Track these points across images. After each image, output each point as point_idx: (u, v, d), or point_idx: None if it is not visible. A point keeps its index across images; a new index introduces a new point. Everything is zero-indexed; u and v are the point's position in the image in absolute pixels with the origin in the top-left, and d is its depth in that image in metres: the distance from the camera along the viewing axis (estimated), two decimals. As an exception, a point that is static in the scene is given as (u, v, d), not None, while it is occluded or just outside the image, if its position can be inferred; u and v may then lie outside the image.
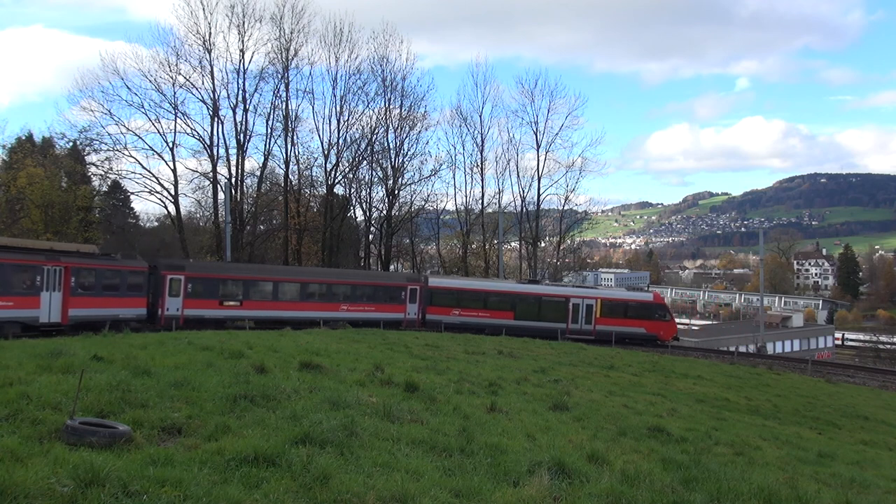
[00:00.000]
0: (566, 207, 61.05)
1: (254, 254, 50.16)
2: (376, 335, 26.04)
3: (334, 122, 53.05)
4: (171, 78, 46.31)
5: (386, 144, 56.06)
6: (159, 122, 46.37)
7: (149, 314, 29.36)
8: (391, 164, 56.18)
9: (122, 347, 12.33)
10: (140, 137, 45.76)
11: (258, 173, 52.73)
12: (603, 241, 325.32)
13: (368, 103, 54.57)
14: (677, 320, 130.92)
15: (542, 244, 62.16)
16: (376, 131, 54.80)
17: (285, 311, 33.14)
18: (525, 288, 39.83)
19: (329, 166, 53.37)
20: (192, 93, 47.65)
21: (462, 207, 61.08)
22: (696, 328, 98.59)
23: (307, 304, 34.36)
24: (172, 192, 47.00)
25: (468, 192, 65.43)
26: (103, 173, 47.71)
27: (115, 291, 27.94)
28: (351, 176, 55.75)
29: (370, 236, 60.72)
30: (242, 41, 47.94)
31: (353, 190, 57.51)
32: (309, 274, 38.69)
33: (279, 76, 49.82)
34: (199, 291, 31.07)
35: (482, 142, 59.92)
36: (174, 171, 47.11)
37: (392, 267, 61.01)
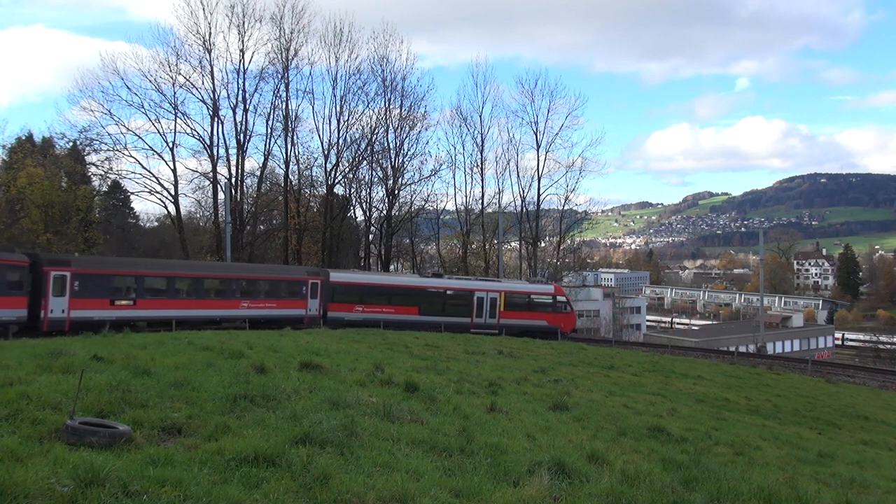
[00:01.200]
0: (566, 207, 61.15)
1: (254, 254, 50.18)
2: (376, 335, 26.05)
3: (334, 122, 53.16)
4: (171, 78, 46.42)
5: (386, 144, 56.16)
6: (159, 122, 46.49)
7: (30, 316, 25.45)
8: (391, 164, 56.24)
9: (122, 347, 12.33)
10: (140, 137, 45.90)
11: (258, 173, 52.84)
12: (603, 241, 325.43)
13: (368, 103, 54.67)
14: (677, 320, 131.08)
15: (542, 244, 62.17)
16: (376, 131, 54.89)
17: (182, 311, 29.85)
18: (429, 282, 38.50)
19: (329, 166, 53.47)
20: (192, 93, 47.78)
21: (462, 207, 61.15)
22: (696, 328, 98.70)
23: (206, 302, 31.27)
24: (172, 192, 47.10)
25: (468, 192, 65.53)
26: (103, 173, 47.83)
27: None
28: (351, 176, 55.83)
29: (370, 236, 60.74)
30: (242, 41, 48.04)
31: (353, 190, 57.61)
32: (207, 268, 34.93)
33: (279, 76, 49.92)
34: (87, 289, 27.21)
35: (482, 142, 60.01)
36: (174, 171, 47.22)
37: (392, 267, 60.99)
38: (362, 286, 36.66)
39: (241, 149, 49.20)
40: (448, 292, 38.24)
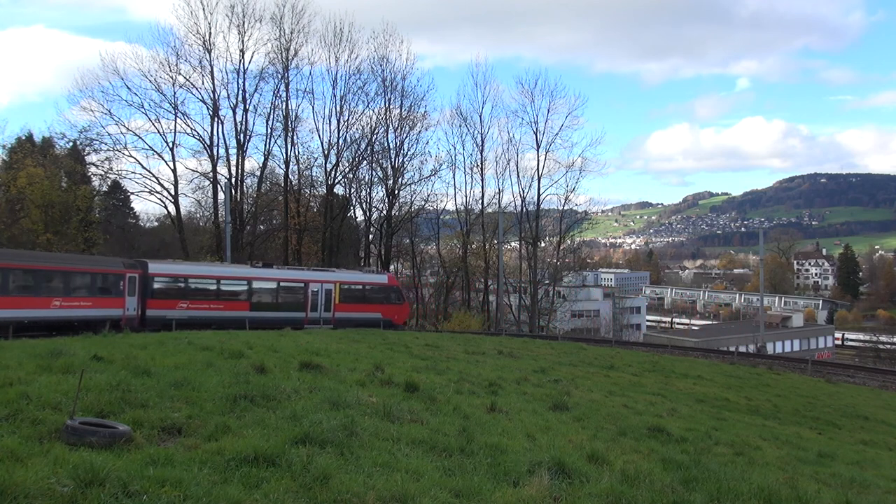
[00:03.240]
0: (566, 207, 61.18)
1: (254, 254, 50.19)
2: (376, 335, 26.05)
3: (334, 122, 53.22)
4: (171, 78, 46.48)
5: (386, 144, 56.22)
6: (159, 122, 46.56)
7: None
8: (391, 164, 56.27)
9: (122, 347, 12.32)
10: (140, 137, 45.96)
11: (258, 173, 52.89)
12: (603, 241, 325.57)
13: (368, 103, 54.73)
14: (677, 320, 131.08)
15: (542, 244, 62.19)
16: (376, 131, 54.93)
17: None
18: (261, 273, 34.58)
19: (329, 166, 53.51)
20: (192, 93, 47.86)
21: (462, 207, 61.20)
22: (696, 328, 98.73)
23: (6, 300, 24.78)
24: (172, 192, 47.15)
25: (468, 192, 65.65)
26: (103, 173, 47.91)
27: None
28: (351, 176, 55.87)
29: (370, 236, 60.76)
30: (242, 41, 48.09)
31: (353, 190, 57.65)
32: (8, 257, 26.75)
33: (279, 76, 49.95)
34: None
35: (482, 142, 60.07)
36: (174, 171, 47.27)
37: (392, 267, 60.95)
38: (187, 278, 32.10)
39: (241, 149, 49.29)
40: (281, 284, 34.82)
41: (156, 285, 30.59)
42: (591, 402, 13.23)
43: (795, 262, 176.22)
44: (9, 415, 6.05)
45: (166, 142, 46.88)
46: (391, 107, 55.54)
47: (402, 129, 55.99)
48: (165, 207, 48.56)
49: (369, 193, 57.75)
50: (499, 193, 60.54)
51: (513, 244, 67.34)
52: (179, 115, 46.96)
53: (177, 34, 73.31)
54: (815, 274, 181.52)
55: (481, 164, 60.05)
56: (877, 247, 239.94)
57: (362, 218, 60.61)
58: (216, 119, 48.00)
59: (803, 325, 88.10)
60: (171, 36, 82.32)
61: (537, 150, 59.48)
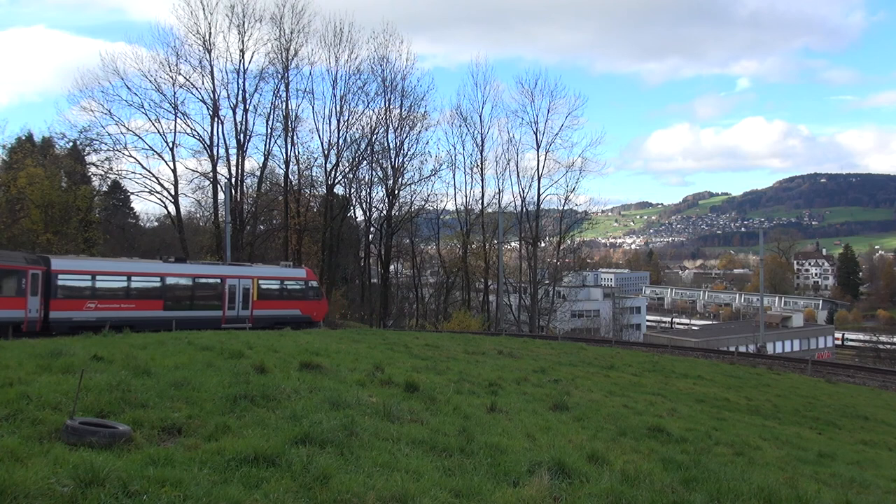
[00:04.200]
0: (566, 207, 61.19)
1: (254, 254, 50.19)
2: (376, 335, 26.03)
3: (334, 122, 53.24)
4: (171, 78, 46.47)
5: (386, 144, 56.25)
6: (159, 122, 46.55)
7: None
8: (391, 164, 56.30)
9: (122, 347, 12.32)
10: (140, 137, 45.96)
11: (258, 173, 52.90)
12: (603, 241, 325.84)
13: (368, 103, 54.75)
14: (677, 320, 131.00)
15: (542, 244, 62.21)
16: (376, 131, 54.95)
17: None
18: (175, 268, 31.83)
19: (329, 166, 53.52)
20: (192, 93, 47.85)
21: (462, 207, 61.24)
22: (696, 328, 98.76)
23: None
24: (172, 192, 47.14)
25: (468, 192, 65.75)
26: (103, 173, 47.90)
27: None
28: (351, 176, 55.89)
29: (370, 236, 60.77)
30: (242, 41, 48.09)
31: (353, 190, 57.68)
32: None
33: (279, 76, 49.96)
34: None
35: (482, 142, 60.11)
36: (174, 171, 47.27)
37: (392, 268, 60.97)
38: (94, 276, 28.74)
39: (241, 149, 49.30)
40: (197, 280, 32.11)
41: (60, 283, 27.44)
42: (591, 402, 13.23)
43: (795, 262, 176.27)
44: (9, 415, 6.06)
45: (166, 142, 46.95)
46: (391, 107, 55.65)
47: (402, 129, 56.08)
48: (165, 207, 48.62)
49: (369, 193, 57.87)
50: (499, 193, 60.65)
51: (513, 244, 67.38)
52: (179, 115, 47.01)
53: (177, 34, 73.53)
54: (815, 274, 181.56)
55: (481, 164, 60.17)
56: (877, 247, 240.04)
57: (362, 218, 60.74)
58: (216, 119, 48.06)
59: (803, 325, 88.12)
60: (171, 36, 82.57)
61: (537, 150, 59.58)
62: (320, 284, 37.04)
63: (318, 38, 56.31)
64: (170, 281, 31.05)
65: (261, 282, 33.83)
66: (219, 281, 32.47)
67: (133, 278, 30.05)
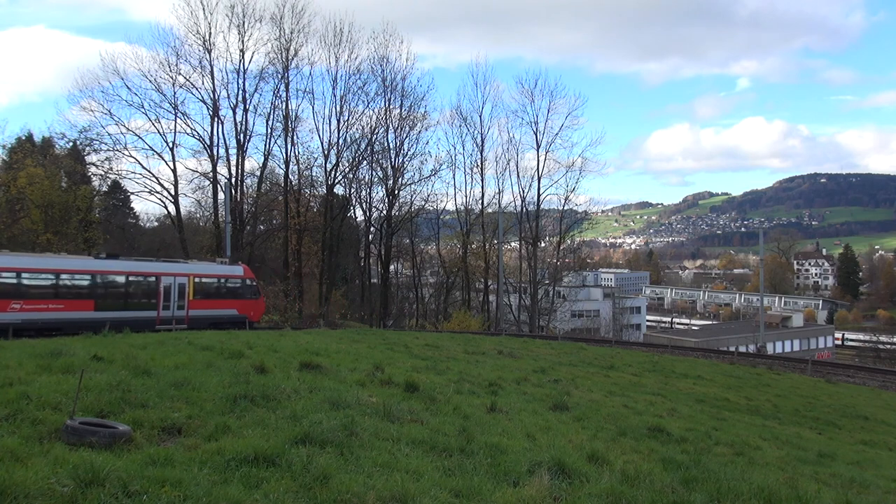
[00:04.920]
0: (566, 207, 61.16)
1: (254, 254, 50.18)
2: (376, 335, 26.03)
3: (334, 122, 53.19)
4: (171, 78, 46.46)
5: (386, 144, 56.20)
6: (159, 122, 46.54)
7: None
8: (391, 164, 56.27)
9: (122, 347, 12.32)
10: (140, 137, 45.95)
11: (258, 173, 52.89)
12: (603, 241, 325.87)
13: (368, 103, 54.70)
14: (677, 320, 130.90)
15: (542, 244, 62.19)
16: (376, 131, 54.91)
17: None
18: (106, 265, 29.25)
19: (329, 166, 53.48)
20: (192, 93, 47.85)
21: (462, 207, 61.22)
22: (696, 328, 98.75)
23: None
24: (172, 192, 47.14)
25: (468, 192, 65.76)
26: (103, 173, 47.89)
27: None
28: (351, 176, 55.84)
29: (370, 236, 60.76)
30: (242, 41, 48.08)
31: (353, 190, 57.63)
32: None
33: (279, 76, 49.94)
34: None
35: (482, 142, 60.09)
36: (174, 171, 47.27)
37: (392, 268, 60.92)
38: (19, 273, 26.49)
39: (241, 149, 49.28)
40: (131, 278, 29.59)
41: None
42: (591, 402, 13.23)
43: (795, 262, 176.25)
44: (9, 415, 6.06)
45: (166, 142, 46.94)
46: (391, 107, 55.60)
47: (402, 129, 56.04)
48: (165, 207, 48.61)
49: (369, 193, 57.82)
50: (499, 193, 60.62)
51: (513, 244, 67.37)
52: (179, 115, 47.00)
53: (177, 34, 73.56)
54: (815, 274, 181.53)
55: (481, 164, 60.15)
56: (877, 247, 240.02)
57: (362, 218, 60.68)
58: (216, 119, 48.05)
59: (803, 325, 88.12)
60: (171, 36, 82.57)
61: (537, 150, 59.54)
62: (257, 282, 35.35)
63: (318, 38, 56.38)
64: (101, 279, 28.76)
65: (197, 280, 31.83)
66: (153, 279, 30.22)
67: (62, 276, 27.69)
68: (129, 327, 24.37)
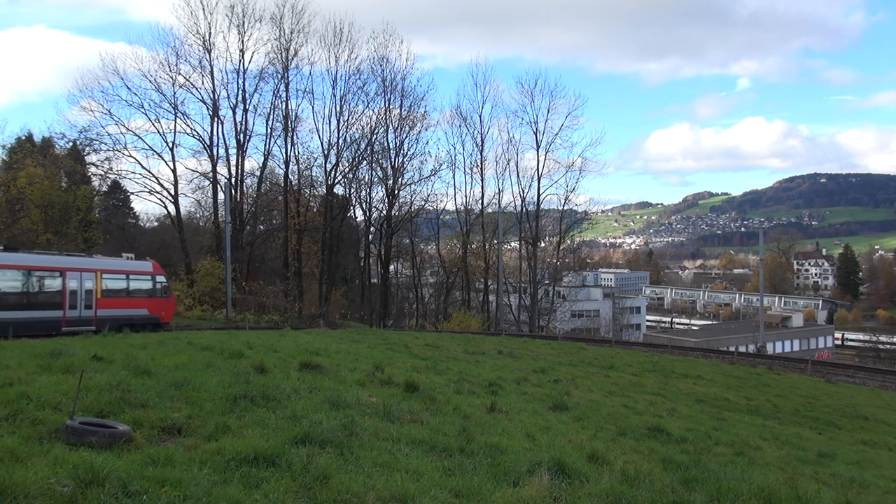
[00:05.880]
0: (566, 207, 61.21)
1: (254, 254, 50.17)
2: (376, 335, 26.03)
3: (334, 122, 53.21)
4: (171, 78, 46.48)
5: (386, 144, 56.24)
6: (159, 122, 46.56)
7: None
8: (391, 164, 56.28)
9: (121, 347, 12.32)
10: (140, 137, 45.97)
11: (258, 173, 52.92)
12: (603, 241, 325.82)
13: (368, 103, 54.72)
14: (677, 320, 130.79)
15: (542, 244, 62.22)
16: (376, 131, 54.93)
17: None
18: (4, 259, 25.79)
19: (329, 166, 53.50)
20: (191, 93, 47.88)
21: (462, 207, 61.26)
22: (695, 328, 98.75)
23: None
24: (172, 192, 47.15)
25: (468, 192, 65.74)
26: (103, 173, 47.95)
27: None
28: (351, 176, 55.86)
29: (370, 236, 60.77)
30: (242, 41, 48.09)
31: (352, 190, 57.65)
32: None
33: (279, 76, 49.95)
34: None
35: (482, 142, 60.13)
36: (174, 171, 47.28)
37: (392, 268, 60.89)
38: None
39: (241, 149, 49.30)
40: (33, 275, 26.34)
41: None
42: (591, 402, 13.23)
43: (795, 262, 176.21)
44: (9, 415, 6.06)
45: (166, 142, 46.95)
46: (391, 107, 55.62)
47: (401, 129, 56.06)
48: (165, 207, 48.63)
49: (369, 193, 57.84)
50: (499, 193, 60.65)
51: (513, 244, 67.38)
52: (179, 115, 47.01)
53: (177, 34, 73.55)
54: (815, 274, 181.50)
55: (481, 164, 60.19)
56: (877, 247, 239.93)
57: (362, 218, 60.71)
58: (216, 119, 48.06)
59: (803, 325, 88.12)
60: (170, 36, 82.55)
61: (537, 150, 59.57)
62: (167, 279, 32.34)
63: (318, 38, 56.39)
64: None
65: (105, 277, 28.54)
66: (59, 275, 26.94)
67: None
68: (31, 329, 22.55)
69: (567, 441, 8.23)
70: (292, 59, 49.99)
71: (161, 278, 31.27)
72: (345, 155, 54.35)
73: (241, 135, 48.84)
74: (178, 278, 45.59)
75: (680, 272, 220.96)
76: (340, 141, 53.64)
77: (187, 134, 47.96)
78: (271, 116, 50.41)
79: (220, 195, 46.99)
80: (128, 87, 45.04)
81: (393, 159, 56.37)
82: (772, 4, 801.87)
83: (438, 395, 10.07)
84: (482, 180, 61.05)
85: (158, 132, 46.64)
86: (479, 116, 60.61)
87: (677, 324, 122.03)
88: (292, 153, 52.29)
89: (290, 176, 52.44)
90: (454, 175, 64.32)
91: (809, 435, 14.20)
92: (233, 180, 48.99)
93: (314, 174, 55.07)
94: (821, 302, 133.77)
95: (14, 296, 25.73)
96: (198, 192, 52.53)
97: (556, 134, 59.35)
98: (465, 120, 60.43)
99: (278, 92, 50.37)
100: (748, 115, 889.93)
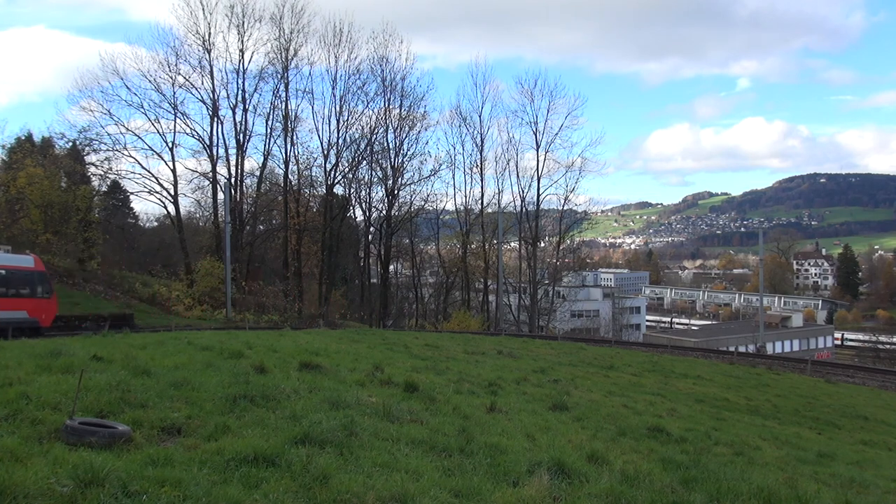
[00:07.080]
0: (566, 207, 61.26)
1: (253, 254, 50.16)
2: (376, 335, 26.03)
3: (334, 122, 53.24)
4: (171, 78, 46.49)
5: (386, 144, 56.28)
6: (159, 122, 46.56)
7: None
8: (391, 164, 56.32)
9: (121, 347, 12.31)
10: (139, 137, 45.96)
11: (258, 173, 52.94)
12: (602, 241, 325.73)
13: (368, 103, 54.76)
14: (676, 320, 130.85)
15: (542, 244, 62.25)
16: (376, 131, 54.96)
17: None
18: None
19: (329, 166, 53.52)
20: (191, 93, 47.89)
21: (462, 207, 61.30)
22: (695, 328, 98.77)
23: None
24: (172, 192, 47.14)
25: (468, 192, 65.73)
26: (103, 173, 47.95)
27: None
28: (351, 176, 55.88)
29: (370, 236, 60.79)
30: (242, 41, 48.10)
31: (352, 190, 57.69)
32: None
33: (279, 76, 49.97)
34: None
35: (482, 142, 60.18)
36: (174, 171, 47.28)
37: (392, 268, 60.87)
38: None
39: (241, 149, 49.32)
40: None
41: None
42: (591, 403, 13.23)
43: (795, 262, 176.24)
44: (9, 415, 6.05)
45: (166, 142, 46.95)
46: (391, 107, 55.67)
47: (401, 129, 56.09)
48: (165, 207, 48.61)
49: (369, 193, 57.88)
50: (498, 193, 60.69)
51: (512, 244, 67.40)
52: (179, 115, 47.01)
53: (176, 34, 73.47)
54: (815, 274, 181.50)
55: (481, 164, 60.24)
56: (876, 247, 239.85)
57: (362, 218, 60.75)
58: (216, 119, 48.06)
59: (803, 325, 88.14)
60: (170, 36, 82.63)
61: (537, 150, 59.60)
62: (49, 277, 28.52)
63: (318, 38, 56.46)
64: None
65: None
66: None
67: None
68: None
69: (567, 441, 8.23)
70: (292, 59, 50.08)
71: (43, 275, 27.16)
72: (344, 155, 54.45)
73: (241, 135, 48.90)
74: (178, 278, 45.65)
75: (680, 272, 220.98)
76: (340, 141, 53.73)
77: (187, 134, 48.05)
78: (271, 116, 50.49)
79: (220, 195, 46.99)
80: (127, 88, 45.11)
81: (393, 159, 56.48)
82: (772, 4, 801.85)
83: (438, 395, 10.07)
84: (482, 180, 61.21)
85: (158, 132, 46.70)
86: (479, 116, 60.76)
87: (677, 324, 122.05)
88: (292, 153, 52.39)
89: (289, 176, 52.55)
90: (454, 175, 64.45)
91: (809, 435, 14.20)
92: (232, 180, 49.04)
93: (314, 174, 55.18)
94: (820, 302, 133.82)
95: None
96: (197, 192, 52.63)
97: (556, 134, 59.49)
98: (465, 120, 60.57)
99: (278, 92, 50.47)
100: (748, 115, 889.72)
